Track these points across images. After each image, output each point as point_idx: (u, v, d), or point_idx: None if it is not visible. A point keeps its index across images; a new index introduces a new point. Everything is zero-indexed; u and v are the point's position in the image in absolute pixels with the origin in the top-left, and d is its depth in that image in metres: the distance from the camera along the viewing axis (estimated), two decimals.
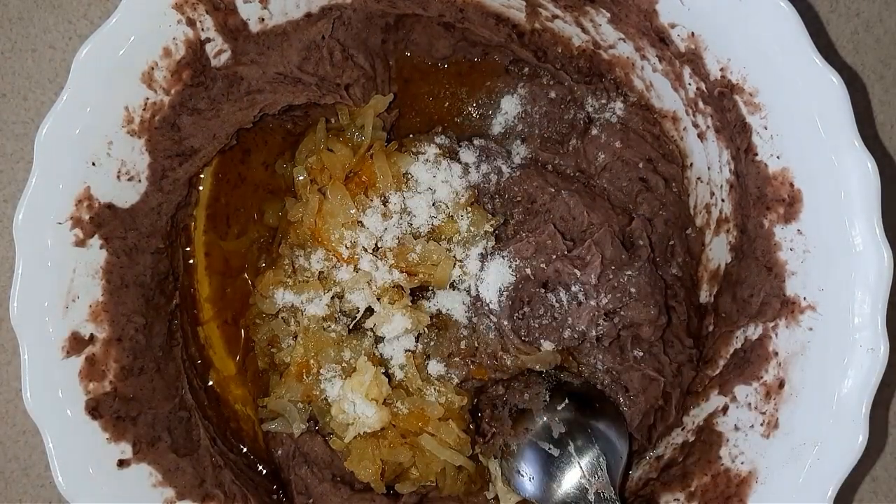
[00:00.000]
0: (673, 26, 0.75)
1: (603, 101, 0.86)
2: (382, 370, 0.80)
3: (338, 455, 0.82)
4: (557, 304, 0.81)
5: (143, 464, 0.76)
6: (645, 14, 0.76)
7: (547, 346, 0.81)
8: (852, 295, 0.69)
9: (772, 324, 0.75)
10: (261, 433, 0.87)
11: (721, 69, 0.73)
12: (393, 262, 0.81)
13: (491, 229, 0.82)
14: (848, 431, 0.68)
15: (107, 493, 0.74)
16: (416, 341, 0.82)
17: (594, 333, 0.80)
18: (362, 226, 0.81)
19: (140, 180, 0.79)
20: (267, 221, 0.90)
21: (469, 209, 0.82)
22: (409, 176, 0.83)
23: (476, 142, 0.86)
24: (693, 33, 0.74)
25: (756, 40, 0.70)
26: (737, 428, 0.76)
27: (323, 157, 0.83)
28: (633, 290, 0.80)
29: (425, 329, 0.82)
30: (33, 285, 0.72)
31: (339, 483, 0.82)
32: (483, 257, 0.82)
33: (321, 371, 0.81)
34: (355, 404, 0.78)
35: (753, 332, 0.77)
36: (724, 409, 0.78)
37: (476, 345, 0.82)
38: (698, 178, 0.84)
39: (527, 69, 0.89)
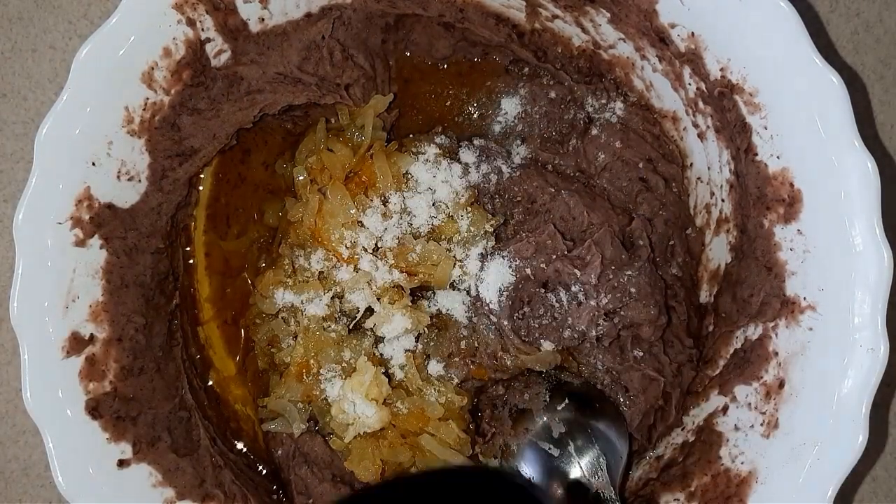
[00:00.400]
0: (673, 26, 0.75)
1: (603, 101, 0.86)
2: (382, 370, 0.80)
3: (338, 455, 0.82)
4: (557, 304, 0.81)
5: (143, 464, 0.76)
6: (645, 14, 0.76)
7: (547, 346, 0.81)
8: (852, 295, 0.69)
9: (772, 324, 0.75)
10: (261, 433, 0.87)
11: (721, 69, 0.73)
12: (393, 262, 0.81)
13: (491, 229, 0.82)
14: (848, 431, 0.68)
15: (107, 493, 0.74)
16: (416, 341, 0.82)
17: (594, 333, 0.80)
18: (362, 226, 0.81)
19: (140, 180, 0.79)
20: (267, 221, 0.90)
21: (469, 209, 0.82)
22: (409, 176, 0.83)
23: (476, 142, 0.86)
24: (693, 33, 0.74)
25: (756, 40, 0.70)
26: (737, 428, 0.76)
27: (323, 157, 0.83)
28: (633, 290, 0.80)
29: (425, 329, 0.82)
30: (33, 285, 0.72)
31: (339, 483, 0.82)
32: (483, 257, 0.82)
33: (321, 371, 0.81)
34: (355, 404, 0.78)
35: (753, 332, 0.77)
36: (724, 409, 0.78)
37: (476, 345, 0.82)
38: (698, 178, 0.84)
39: (527, 69, 0.89)
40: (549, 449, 0.79)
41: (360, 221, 0.81)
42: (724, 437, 0.77)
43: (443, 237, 0.82)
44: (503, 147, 0.87)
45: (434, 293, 0.83)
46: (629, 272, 0.80)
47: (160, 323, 0.82)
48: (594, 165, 0.85)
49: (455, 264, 0.82)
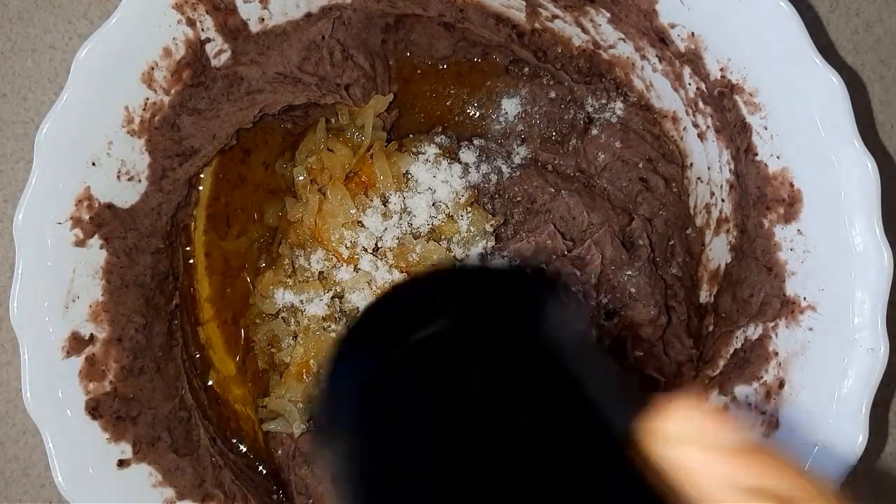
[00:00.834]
0: (673, 26, 0.75)
1: (603, 101, 0.86)
2: None
3: None
4: None
5: (143, 464, 0.76)
6: (645, 14, 0.76)
7: None
8: (852, 295, 0.69)
9: (772, 324, 0.75)
10: (261, 433, 0.87)
11: (721, 69, 0.73)
12: (393, 262, 0.81)
13: (491, 229, 0.82)
14: (848, 431, 0.68)
15: (107, 493, 0.74)
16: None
17: (594, 333, 0.80)
18: (362, 226, 0.81)
19: (140, 180, 0.79)
20: (267, 221, 0.90)
21: (469, 209, 0.83)
22: (409, 176, 0.83)
23: (476, 142, 0.86)
24: (693, 33, 0.74)
25: (756, 40, 0.70)
26: None
27: (323, 157, 0.83)
28: (633, 290, 0.80)
29: None
30: (33, 285, 0.72)
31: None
32: (483, 257, 0.82)
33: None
34: None
35: (753, 332, 0.77)
36: (724, 410, 0.78)
37: None
38: (698, 178, 0.84)
39: (527, 69, 0.89)
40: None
41: (360, 221, 0.81)
42: None
43: (443, 237, 0.82)
44: (503, 147, 0.87)
45: None
46: (629, 272, 0.80)
47: (160, 323, 0.82)
48: (594, 165, 0.85)
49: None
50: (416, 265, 0.81)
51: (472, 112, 0.90)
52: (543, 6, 0.82)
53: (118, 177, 0.77)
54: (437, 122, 0.90)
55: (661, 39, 0.77)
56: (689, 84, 0.78)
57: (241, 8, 0.78)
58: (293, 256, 0.84)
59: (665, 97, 0.83)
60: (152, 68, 0.75)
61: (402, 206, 0.82)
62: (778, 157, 0.72)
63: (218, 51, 0.79)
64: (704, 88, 0.77)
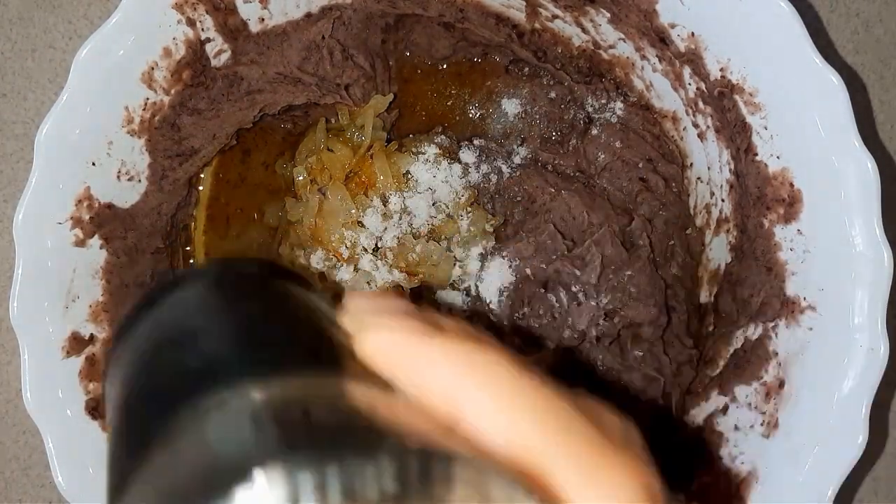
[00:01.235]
0: (673, 26, 0.75)
1: (603, 101, 0.86)
2: None
3: None
4: (557, 304, 0.81)
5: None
6: (645, 14, 0.76)
7: (547, 345, 0.81)
8: (852, 295, 0.69)
9: (772, 324, 0.75)
10: None
11: (721, 69, 0.73)
12: (393, 261, 0.81)
13: (491, 229, 0.82)
14: (848, 431, 0.68)
15: None
16: None
17: (594, 333, 0.80)
18: (362, 226, 0.81)
19: (140, 180, 0.79)
20: (267, 221, 0.90)
21: (469, 209, 0.83)
22: (409, 176, 0.83)
23: (476, 142, 0.86)
24: (693, 33, 0.74)
25: (756, 40, 0.70)
26: (737, 428, 0.76)
27: (323, 157, 0.83)
28: (633, 290, 0.80)
29: None
30: (33, 285, 0.72)
31: None
32: (483, 257, 0.82)
33: None
34: None
35: (753, 332, 0.77)
36: (724, 409, 0.78)
37: None
38: (698, 178, 0.84)
39: (527, 69, 0.89)
40: None
41: (360, 221, 0.81)
42: (724, 437, 0.77)
43: (443, 237, 0.82)
44: (503, 147, 0.87)
45: (434, 293, 0.83)
46: (629, 272, 0.80)
47: None
48: (594, 165, 0.85)
49: (455, 264, 0.82)
50: (416, 265, 0.81)
51: (472, 112, 0.90)
52: (543, 6, 0.82)
53: (118, 177, 0.77)
54: (437, 122, 0.90)
55: (661, 39, 0.77)
56: (689, 84, 0.78)
57: (241, 8, 0.78)
58: (293, 256, 0.84)
59: (665, 97, 0.83)
60: (152, 68, 0.75)
61: (402, 206, 0.82)
62: (778, 157, 0.72)
63: (218, 51, 0.79)
64: (704, 88, 0.77)
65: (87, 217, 0.75)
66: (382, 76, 0.87)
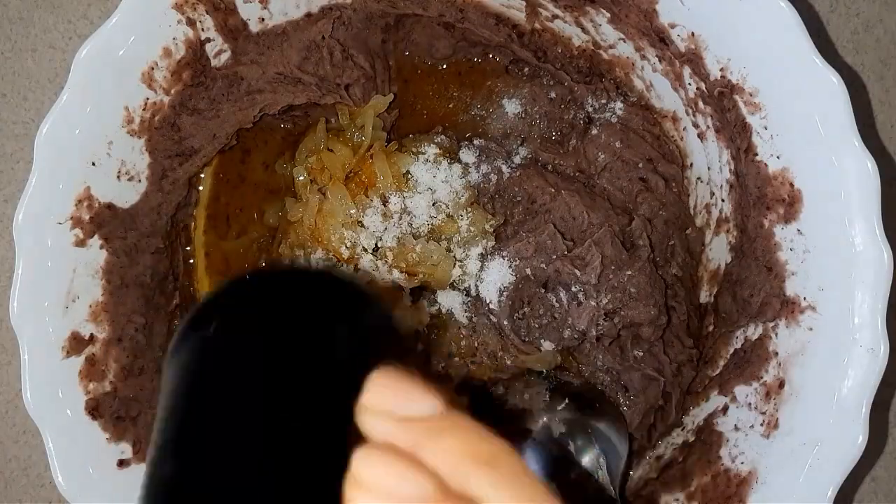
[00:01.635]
0: (673, 26, 0.75)
1: (603, 101, 0.86)
2: None
3: None
4: (557, 304, 0.81)
5: (143, 464, 0.76)
6: (645, 14, 0.76)
7: (547, 346, 0.81)
8: (852, 295, 0.69)
9: (772, 324, 0.75)
10: None
11: (721, 69, 0.73)
12: (393, 261, 0.81)
13: (491, 229, 0.82)
14: (848, 431, 0.68)
15: (107, 493, 0.74)
16: (417, 341, 0.82)
17: (594, 333, 0.80)
18: (362, 226, 0.81)
19: (140, 180, 0.79)
20: (267, 221, 0.90)
21: (469, 209, 0.83)
22: (409, 176, 0.83)
23: (476, 142, 0.86)
24: (693, 33, 0.74)
25: (756, 40, 0.70)
26: (737, 428, 0.76)
27: (323, 157, 0.83)
28: (633, 290, 0.80)
29: (425, 329, 0.82)
30: (33, 285, 0.72)
31: None
32: (483, 257, 0.82)
33: None
34: None
35: (753, 332, 0.77)
36: (724, 409, 0.78)
37: (476, 345, 0.82)
38: (698, 178, 0.84)
39: (527, 69, 0.89)
40: (550, 449, 0.80)
41: (360, 221, 0.81)
42: (724, 437, 0.77)
43: (443, 237, 0.82)
44: (503, 147, 0.87)
45: (434, 293, 0.83)
46: (629, 272, 0.80)
47: (160, 323, 0.82)
48: (594, 165, 0.85)
49: (455, 264, 0.82)
50: (416, 265, 0.81)
51: (473, 112, 0.90)
52: (543, 6, 0.82)
53: (118, 177, 0.77)
54: (437, 122, 0.90)
55: (661, 39, 0.77)
56: (689, 84, 0.78)
57: (241, 8, 0.78)
58: (293, 256, 0.84)
59: (665, 97, 0.83)
60: (152, 68, 0.75)
61: (402, 206, 0.82)
62: (778, 157, 0.72)
63: (218, 51, 0.79)
64: (704, 88, 0.77)
65: (87, 217, 0.75)
66: (382, 76, 0.87)
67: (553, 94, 0.88)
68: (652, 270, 0.82)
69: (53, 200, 0.73)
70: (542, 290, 0.81)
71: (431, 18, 0.85)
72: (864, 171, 0.68)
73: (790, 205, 0.72)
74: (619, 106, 0.85)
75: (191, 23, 0.76)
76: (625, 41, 0.81)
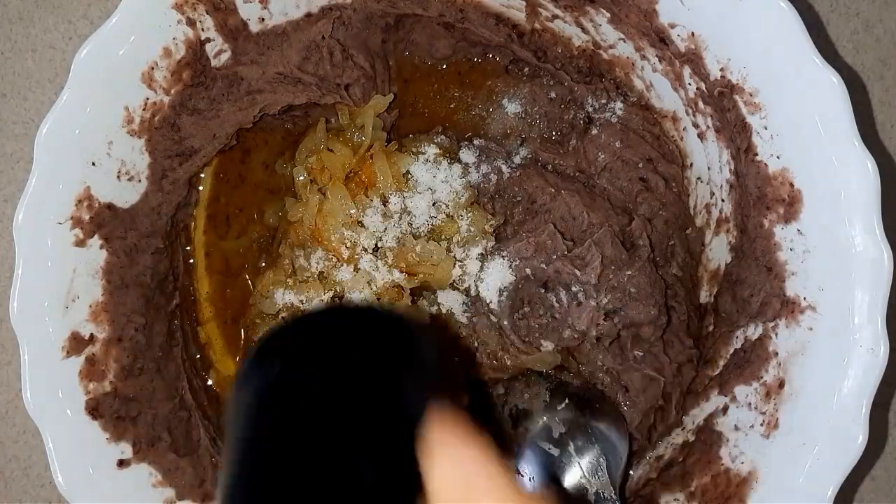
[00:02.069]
0: (673, 26, 0.75)
1: (603, 101, 0.86)
2: None
3: None
4: (557, 304, 0.81)
5: (143, 464, 0.76)
6: (645, 14, 0.76)
7: (547, 346, 0.81)
8: (852, 295, 0.69)
9: (772, 324, 0.75)
10: None
11: (721, 69, 0.74)
12: (393, 261, 0.81)
13: (491, 229, 0.82)
14: (848, 431, 0.68)
15: (107, 493, 0.74)
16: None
17: (594, 333, 0.80)
18: (362, 226, 0.81)
19: (140, 180, 0.79)
20: (267, 221, 0.90)
21: (469, 209, 0.83)
22: (409, 176, 0.83)
23: (476, 142, 0.86)
24: (693, 33, 0.74)
25: (756, 40, 0.70)
26: (737, 428, 0.77)
27: (323, 157, 0.83)
28: (633, 290, 0.80)
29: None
30: (33, 285, 0.72)
31: None
32: (483, 257, 0.82)
33: None
34: None
35: (753, 332, 0.77)
36: (724, 409, 0.78)
37: (476, 345, 0.82)
38: (698, 178, 0.84)
39: (527, 69, 0.89)
40: (549, 449, 0.80)
41: (360, 221, 0.81)
42: (724, 437, 0.77)
43: (443, 237, 0.82)
44: (503, 147, 0.87)
45: (434, 293, 0.83)
46: (629, 272, 0.80)
47: (160, 323, 0.82)
48: (594, 165, 0.85)
49: (455, 264, 0.82)
50: (416, 265, 0.81)
51: (473, 112, 0.90)
52: (543, 6, 0.82)
53: (118, 177, 0.77)
54: (437, 122, 0.90)
55: (661, 39, 0.77)
56: (689, 84, 0.78)
57: (241, 8, 0.78)
58: (293, 256, 0.84)
59: (665, 97, 0.83)
60: (152, 68, 0.75)
61: (402, 206, 0.82)
62: (778, 157, 0.72)
63: (218, 51, 0.79)
64: (704, 88, 0.77)
65: (87, 217, 0.75)
66: (382, 76, 0.87)
67: (553, 94, 0.88)
68: (652, 270, 0.82)
69: (53, 200, 0.73)
70: (542, 290, 0.81)
71: (431, 18, 0.85)
72: (864, 171, 0.68)
73: (790, 205, 0.72)
74: (619, 106, 0.85)
75: (191, 23, 0.76)
76: (625, 41, 0.81)
